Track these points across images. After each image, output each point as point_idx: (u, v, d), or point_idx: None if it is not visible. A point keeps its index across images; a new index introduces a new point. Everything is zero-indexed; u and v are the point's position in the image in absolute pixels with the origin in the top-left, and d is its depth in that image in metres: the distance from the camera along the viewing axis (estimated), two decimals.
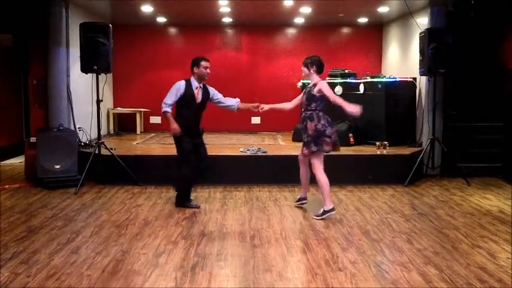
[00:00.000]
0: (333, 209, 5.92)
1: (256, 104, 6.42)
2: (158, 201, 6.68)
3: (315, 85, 5.95)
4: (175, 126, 6.09)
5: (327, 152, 5.97)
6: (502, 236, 5.28)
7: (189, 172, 6.21)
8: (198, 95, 6.22)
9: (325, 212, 5.88)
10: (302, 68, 6.09)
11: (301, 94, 6.24)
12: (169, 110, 6.20)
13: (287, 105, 6.37)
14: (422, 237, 5.20)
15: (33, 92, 8.88)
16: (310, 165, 6.12)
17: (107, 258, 4.52)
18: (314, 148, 5.88)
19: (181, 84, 6.22)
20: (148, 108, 11.48)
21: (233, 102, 6.46)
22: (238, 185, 7.42)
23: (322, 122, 5.88)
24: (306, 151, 5.98)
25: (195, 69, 6.22)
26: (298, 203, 6.47)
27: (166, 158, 7.97)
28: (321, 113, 5.91)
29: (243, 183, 7.51)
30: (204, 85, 6.32)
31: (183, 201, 6.36)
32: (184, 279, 4.08)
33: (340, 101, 5.80)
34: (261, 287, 3.96)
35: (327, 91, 5.88)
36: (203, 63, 6.21)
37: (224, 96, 6.48)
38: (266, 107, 6.35)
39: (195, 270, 4.26)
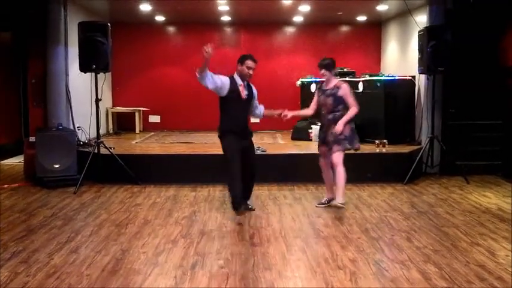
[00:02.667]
0: (344, 204, 6.10)
1: (279, 111, 6.21)
2: (157, 200, 6.68)
3: (337, 87, 6.09)
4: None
5: (356, 150, 6.31)
6: (501, 233, 5.29)
7: (234, 171, 5.75)
8: (244, 92, 5.92)
9: (328, 202, 6.32)
10: (323, 71, 6.10)
11: (316, 97, 6.31)
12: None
13: (309, 111, 6.44)
14: (421, 235, 5.20)
15: (32, 90, 8.87)
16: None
17: (106, 257, 4.52)
18: (348, 146, 6.07)
19: (227, 80, 5.87)
20: (147, 107, 11.49)
21: (258, 111, 6.24)
22: None
23: (351, 121, 6.11)
24: (338, 148, 6.02)
25: (239, 66, 5.93)
26: (326, 204, 6.36)
27: (166, 157, 8.00)
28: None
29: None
30: (248, 83, 6.02)
31: (235, 204, 5.74)
32: (184, 278, 4.08)
33: (348, 116, 6.04)
34: (261, 285, 3.96)
35: (350, 97, 6.09)
36: (248, 62, 5.89)
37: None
38: (289, 114, 6.19)
39: (194, 269, 4.26)
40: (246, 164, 5.83)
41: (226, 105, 5.95)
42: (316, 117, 9.55)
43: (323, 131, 6.28)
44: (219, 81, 5.81)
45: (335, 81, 6.20)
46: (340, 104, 6.08)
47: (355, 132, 6.16)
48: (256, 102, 6.21)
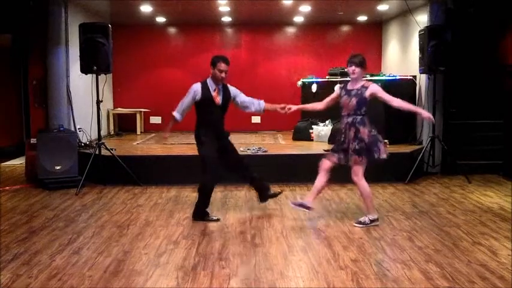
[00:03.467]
0: (377, 219, 5.53)
1: (282, 105, 5.82)
2: (159, 201, 6.68)
3: (364, 87, 5.44)
4: (166, 135, 6.38)
5: (384, 159, 5.48)
6: (502, 233, 5.28)
7: (208, 181, 5.66)
8: (218, 98, 5.70)
9: (371, 221, 5.47)
10: (353, 67, 5.47)
11: (335, 95, 5.67)
12: (177, 115, 5.83)
13: (319, 106, 5.80)
14: (423, 235, 5.20)
15: (33, 92, 8.89)
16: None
17: (108, 259, 4.52)
18: (371, 156, 5.41)
19: (197, 88, 5.69)
20: (148, 109, 11.50)
21: (257, 106, 5.90)
22: (238, 184, 7.40)
23: (372, 127, 5.46)
24: (359, 158, 5.40)
25: (211, 70, 5.65)
26: (300, 207, 5.61)
27: (167, 158, 8.00)
28: (367, 118, 5.48)
29: (243, 183, 7.50)
30: (224, 85, 5.78)
31: (201, 213, 5.73)
32: (186, 278, 4.09)
33: (406, 105, 5.45)
34: (262, 286, 3.96)
35: (385, 93, 5.47)
36: (220, 65, 5.60)
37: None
38: (294, 107, 5.81)
39: (196, 270, 4.26)
40: (232, 161, 5.85)
41: (200, 111, 5.80)
42: (317, 117, 9.63)
43: (342, 135, 5.54)
44: (188, 103, 5.82)
45: (362, 81, 5.53)
46: (363, 106, 5.42)
47: (379, 137, 5.49)
48: (245, 98, 5.90)
